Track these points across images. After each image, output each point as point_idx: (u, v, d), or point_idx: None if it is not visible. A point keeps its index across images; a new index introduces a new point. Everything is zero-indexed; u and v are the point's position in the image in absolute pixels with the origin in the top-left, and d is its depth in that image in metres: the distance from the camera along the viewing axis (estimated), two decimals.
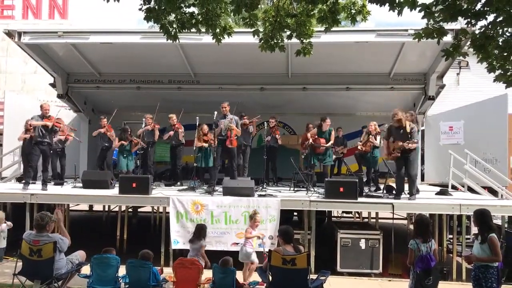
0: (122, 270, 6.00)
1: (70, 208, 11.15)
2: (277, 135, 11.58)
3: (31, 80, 22.07)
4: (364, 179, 10.52)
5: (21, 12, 22.75)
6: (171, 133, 11.37)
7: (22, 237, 6.06)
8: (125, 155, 11.47)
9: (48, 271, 5.79)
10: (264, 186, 10.14)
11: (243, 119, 10.97)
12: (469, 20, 5.40)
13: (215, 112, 9.70)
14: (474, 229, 10.77)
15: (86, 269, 6.25)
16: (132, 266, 5.83)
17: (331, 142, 10.52)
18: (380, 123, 11.21)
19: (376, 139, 10.30)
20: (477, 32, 5.71)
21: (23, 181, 9.59)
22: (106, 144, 11.65)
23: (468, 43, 6.24)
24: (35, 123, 9.32)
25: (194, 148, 10.82)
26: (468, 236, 10.22)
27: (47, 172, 9.76)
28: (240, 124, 10.28)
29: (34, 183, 9.92)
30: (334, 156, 11.25)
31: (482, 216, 5.24)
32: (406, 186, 8.83)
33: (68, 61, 12.88)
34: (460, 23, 7.18)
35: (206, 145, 10.87)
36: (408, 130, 8.42)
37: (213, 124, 9.79)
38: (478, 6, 5.31)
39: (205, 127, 10.95)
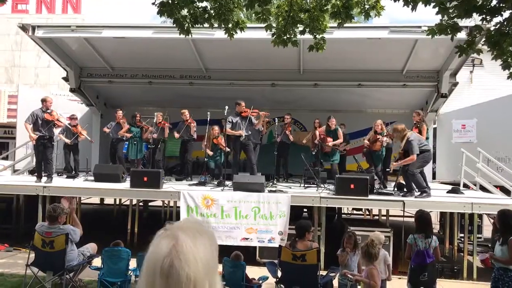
0: (132, 263, 6.05)
1: (82, 201, 11.23)
2: (287, 131, 11.57)
3: (44, 74, 22.26)
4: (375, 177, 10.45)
5: (35, 6, 22.96)
6: (177, 135, 11.42)
7: (34, 229, 6.14)
8: (135, 142, 11.50)
9: (60, 262, 5.86)
10: (275, 182, 10.13)
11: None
12: (484, 16, 5.35)
13: (226, 107, 9.69)
14: (486, 228, 10.74)
15: (97, 262, 6.31)
16: (142, 259, 5.86)
17: (340, 140, 10.52)
18: (391, 120, 11.18)
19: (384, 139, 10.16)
20: (492, 28, 5.66)
21: (35, 175, 9.69)
22: (117, 137, 11.77)
23: (483, 40, 6.17)
24: (30, 135, 9.23)
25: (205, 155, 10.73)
26: (480, 235, 10.16)
27: (50, 165, 9.59)
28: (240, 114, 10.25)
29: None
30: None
31: (504, 217, 5.16)
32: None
33: (81, 55, 12.94)
34: (475, 20, 7.11)
35: (211, 153, 10.52)
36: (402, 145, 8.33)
37: (226, 122, 9.76)
38: (494, 2, 5.26)
39: (216, 130, 10.64)
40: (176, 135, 11.40)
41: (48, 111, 9.41)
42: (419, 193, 8.49)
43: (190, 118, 11.41)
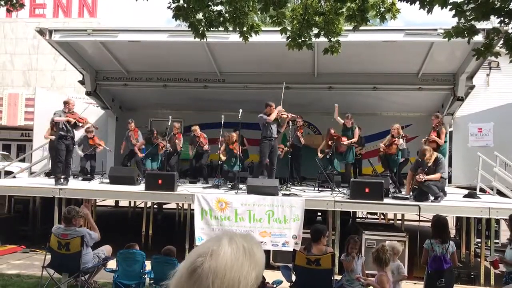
0: (147, 265, 6.07)
1: (97, 203, 11.32)
2: (299, 133, 11.54)
3: (60, 77, 22.57)
4: (390, 181, 10.36)
5: (52, 11, 23.32)
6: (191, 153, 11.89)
7: (51, 231, 6.20)
8: (150, 158, 11.86)
9: (75, 264, 5.91)
10: (289, 185, 10.10)
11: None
12: (502, 19, 5.27)
13: (240, 110, 9.70)
14: (503, 234, 10.57)
15: (112, 264, 6.34)
16: (157, 262, 5.89)
17: (354, 139, 10.45)
18: (407, 124, 11.09)
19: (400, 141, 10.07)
20: (510, 31, 5.58)
21: (53, 177, 9.72)
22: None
23: (501, 42, 6.09)
24: (57, 119, 9.23)
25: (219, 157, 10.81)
26: (497, 241, 10.00)
27: (68, 168, 9.64)
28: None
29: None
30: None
31: None
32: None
33: (96, 59, 13.08)
34: (492, 23, 7.03)
35: (224, 158, 10.73)
36: (431, 164, 8.28)
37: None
38: None
39: (235, 136, 10.68)
40: (190, 152, 11.76)
41: (71, 111, 9.47)
42: (433, 197, 8.41)
43: (200, 134, 11.62)
